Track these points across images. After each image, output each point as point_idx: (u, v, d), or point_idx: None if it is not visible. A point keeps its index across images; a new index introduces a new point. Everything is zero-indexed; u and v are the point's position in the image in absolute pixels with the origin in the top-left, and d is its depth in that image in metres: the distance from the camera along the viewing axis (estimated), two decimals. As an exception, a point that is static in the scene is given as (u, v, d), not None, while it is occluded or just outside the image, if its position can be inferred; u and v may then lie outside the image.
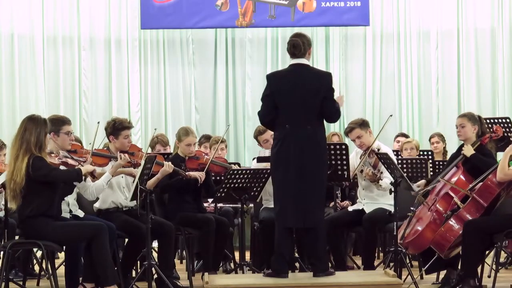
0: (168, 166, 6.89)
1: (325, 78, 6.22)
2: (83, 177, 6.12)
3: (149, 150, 8.27)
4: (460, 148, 6.64)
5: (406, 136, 9.57)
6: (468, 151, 6.43)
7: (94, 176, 6.14)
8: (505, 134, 7.22)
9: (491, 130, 6.68)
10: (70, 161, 6.15)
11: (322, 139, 6.23)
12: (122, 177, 6.77)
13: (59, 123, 6.31)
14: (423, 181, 6.67)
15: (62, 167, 6.08)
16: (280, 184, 6.11)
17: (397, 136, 9.63)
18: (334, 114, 6.19)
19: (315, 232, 6.11)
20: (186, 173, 7.12)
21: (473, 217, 6.14)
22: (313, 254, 6.20)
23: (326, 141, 6.37)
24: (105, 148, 6.90)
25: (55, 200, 5.99)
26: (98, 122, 6.74)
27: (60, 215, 6.11)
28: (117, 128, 6.72)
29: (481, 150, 6.46)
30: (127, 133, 6.75)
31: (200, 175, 7.15)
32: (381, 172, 7.08)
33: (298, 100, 6.08)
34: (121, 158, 6.46)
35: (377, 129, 10.24)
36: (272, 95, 6.13)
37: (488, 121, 7.42)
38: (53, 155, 6.06)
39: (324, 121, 6.25)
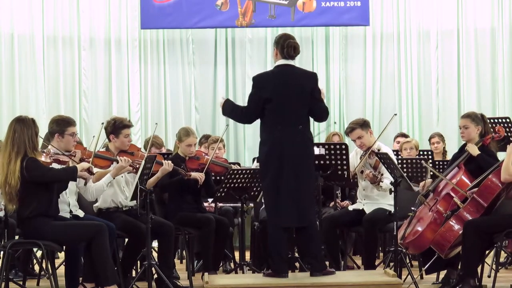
0: (168, 165, 6.88)
1: (312, 77, 6.27)
2: (85, 180, 6.12)
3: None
4: (462, 149, 6.63)
5: (406, 136, 9.56)
6: (474, 150, 6.42)
7: (92, 173, 6.13)
8: (506, 134, 7.22)
9: (493, 130, 6.67)
10: (61, 158, 6.13)
11: (311, 137, 6.31)
12: (122, 176, 6.76)
13: (64, 124, 6.30)
14: (429, 180, 6.65)
15: (54, 164, 6.08)
16: (274, 184, 6.09)
17: (397, 136, 9.63)
18: (324, 114, 6.29)
19: (309, 231, 6.13)
20: (187, 173, 7.12)
21: (473, 217, 6.13)
22: (308, 254, 6.21)
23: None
24: (104, 149, 6.89)
25: (53, 199, 5.99)
26: (102, 123, 6.74)
27: (58, 214, 6.10)
28: (117, 126, 6.72)
29: (484, 151, 6.44)
30: (127, 132, 6.75)
31: (200, 176, 7.15)
32: (382, 174, 7.08)
33: (289, 100, 6.10)
34: (122, 161, 6.45)
35: (377, 129, 10.29)
36: (261, 96, 6.13)
37: (489, 121, 7.41)
38: (44, 153, 6.05)
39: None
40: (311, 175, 6.23)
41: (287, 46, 6.14)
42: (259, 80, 6.22)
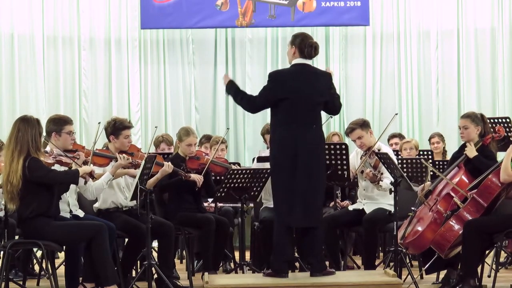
0: (168, 166, 6.89)
1: (328, 77, 6.26)
2: (84, 179, 6.13)
3: (153, 149, 8.29)
4: (462, 148, 6.63)
5: (400, 136, 9.52)
6: (471, 152, 6.42)
7: (93, 176, 6.14)
8: (506, 134, 7.22)
9: (493, 130, 6.67)
10: (64, 159, 6.13)
11: (324, 137, 6.31)
12: (122, 177, 6.77)
13: (61, 122, 6.31)
14: (428, 183, 6.65)
15: (57, 166, 6.07)
16: (286, 184, 6.06)
17: (391, 137, 9.53)
18: (338, 108, 6.35)
19: (315, 231, 6.12)
20: (186, 174, 7.12)
21: (473, 217, 6.13)
22: (311, 253, 6.19)
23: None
24: (105, 148, 6.90)
25: (54, 199, 5.99)
26: (99, 123, 6.73)
27: (59, 214, 6.11)
28: (117, 127, 6.72)
29: (483, 151, 6.44)
30: (127, 133, 6.75)
31: (198, 179, 7.15)
32: (381, 173, 7.08)
33: (304, 99, 6.07)
34: (121, 158, 6.45)
35: (377, 129, 10.28)
36: (275, 92, 6.11)
37: (489, 121, 7.41)
38: (47, 154, 6.05)
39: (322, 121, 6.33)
40: (323, 175, 6.22)
41: (308, 46, 6.12)
42: (276, 78, 6.20)
